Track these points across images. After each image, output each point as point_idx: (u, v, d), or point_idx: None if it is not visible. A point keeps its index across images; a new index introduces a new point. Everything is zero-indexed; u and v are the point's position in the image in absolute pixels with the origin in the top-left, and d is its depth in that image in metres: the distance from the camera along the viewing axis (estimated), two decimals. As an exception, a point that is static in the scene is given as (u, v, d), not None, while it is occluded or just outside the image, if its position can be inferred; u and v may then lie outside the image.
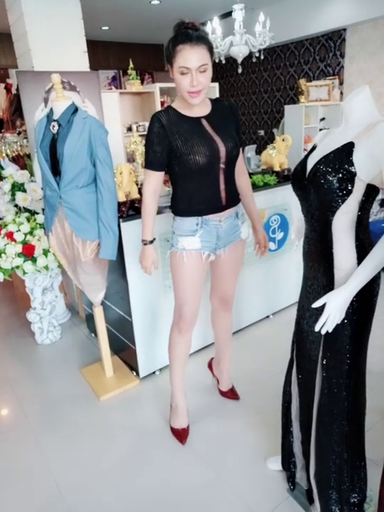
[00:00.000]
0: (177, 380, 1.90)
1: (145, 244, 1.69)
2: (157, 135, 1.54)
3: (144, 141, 1.83)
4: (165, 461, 1.80)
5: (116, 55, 7.27)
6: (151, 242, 1.69)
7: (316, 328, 1.18)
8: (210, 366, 2.26)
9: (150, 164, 1.60)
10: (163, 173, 1.64)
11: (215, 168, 1.58)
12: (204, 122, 1.58)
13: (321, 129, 5.22)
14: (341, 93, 5.45)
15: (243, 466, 1.74)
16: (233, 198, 1.69)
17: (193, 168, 1.54)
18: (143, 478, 1.72)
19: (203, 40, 1.42)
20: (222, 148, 1.56)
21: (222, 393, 2.17)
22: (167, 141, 1.54)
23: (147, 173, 1.64)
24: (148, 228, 1.67)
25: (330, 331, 1.18)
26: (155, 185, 1.64)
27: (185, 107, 1.57)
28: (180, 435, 1.89)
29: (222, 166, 1.58)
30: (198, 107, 1.57)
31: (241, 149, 1.72)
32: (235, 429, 1.96)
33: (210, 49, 1.46)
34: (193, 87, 1.44)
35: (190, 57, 1.40)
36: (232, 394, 2.15)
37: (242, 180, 1.78)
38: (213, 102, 1.65)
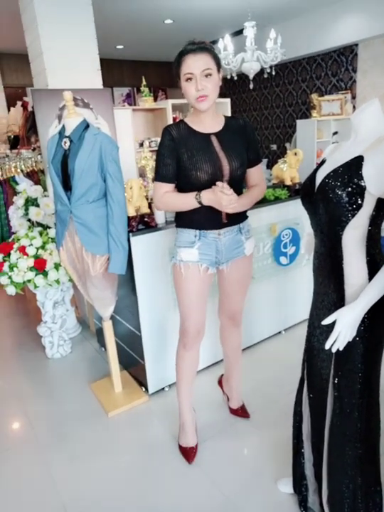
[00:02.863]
0: (184, 396, 1.87)
1: (199, 200, 1.53)
2: (168, 148, 1.57)
3: (154, 157, 1.85)
4: (173, 480, 1.76)
5: (130, 73, 7.44)
6: (198, 196, 1.53)
7: (326, 346, 1.15)
8: (220, 383, 2.22)
9: (161, 177, 1.60)
10: (173, 185, 1.63)
11: None
12: (213, 139, 1.58)
13: (333, 143, 5.19)
14: (354, 107, 5.44)
15: (253, 488, 1.69)
16: (236, 216, 1.64)
17: (195, 183, 1.55)
18: (150, 497, 1.68)
19: (206, 49, 1.47)
20: (226, 167, 1.56)
21: (232, 411, 2.12)
22: (176, 154, 1.56)
23: (158, 186, 1.62)
24: (186, 196, 1.57)
25: (341, 349, 1.15)
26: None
27: (197, 122, 1.59)
28: (187, 454, 1.85)
29: (226, 183, 1.56)
30: (210, 123, 1.59)
31: (261, 165, 1.73)
32: (245, 449, 1.91)
33: (215, 58, 1.50)
34: (198, 91, 1.47)
35: (193, 63, 1.45)
36: (242, 412, 2.10)
37: (254, 187, 1.73)
38: (227, 119, 1.66)
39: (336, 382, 1.24)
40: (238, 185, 1.64)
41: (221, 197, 1.46)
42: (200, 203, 1.54)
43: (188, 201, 1.57)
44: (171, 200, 1.62)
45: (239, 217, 1.69)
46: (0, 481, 1.83)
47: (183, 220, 1.67)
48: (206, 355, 2.41)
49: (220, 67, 1.54)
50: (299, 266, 2.79)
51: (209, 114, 1.58)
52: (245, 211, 1.73)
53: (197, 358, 1.84)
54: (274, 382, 2.34)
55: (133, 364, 2.41)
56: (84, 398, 2.35)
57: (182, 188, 1.62)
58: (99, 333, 2.84)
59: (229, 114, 4.48)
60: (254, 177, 1.72)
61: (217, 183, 1.49)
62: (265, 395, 2.25)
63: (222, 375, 2.21)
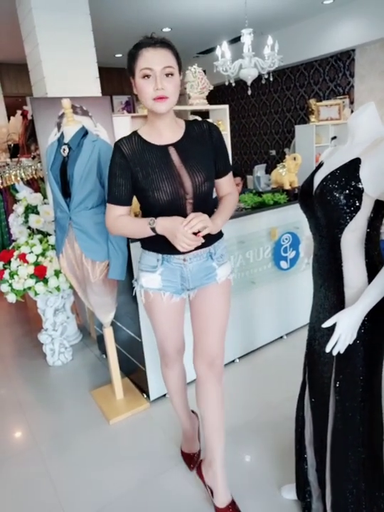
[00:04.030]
0: (179, 408, 1.77)
1: (153, 228, 1.31)
2: (119, 166, 1.35)
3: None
4: (175, 487, 1.74)
5: (129, 81, 7.48)
6: (153, 222, 1.31)
7: (327, 349, 1.14)
8: (199, 471, 1.71)
9: (114, 198, 1.38)
10: (128, 208, 1.41)
11: (181, 205, 1.35)
12: (172, 151, 1.35)
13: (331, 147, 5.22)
14: (352, 112, 5.46)
15: (256, 495, 1.67)
16: (205, 237, 1.31)
17: (155, 205, 1.34)
18: (152, 505, 1.66)
19: (167, 45, 1.27)
20: (188, 184, 1.33)
21: (219, 511, 1.58)
22: (129, 173, 1.35)
23: (110, 208, 1.40)
24: (139, 221, 1.36)
25: (342, 352, 1.14)
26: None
27: (153, 133, 1.37)
28: (189, 460, 1.83)
29: (190, 201, 1.35)
30: (168, 132, 1.37)
31: (231, 174, 1.51)
32: (247, 455, 1.89)
33: (177, 57, 1.30)
34: (157, 90, 1.25)
35: (153, 58, 1.24)
36: (233, 511, 1.56)
37: (226, 198, 1.50)
38: (188, 124, 1.41)
39: (337, 385, 1.23)
40: (204, 202, 1.39)
41: (178, 230, 1.24)
42: (153, 230, 1.31)
43: (141, 228, 1.35)
44: (123, 225, 1.40)
45: (209, 239, 1.38)
46: (1, 489, 1.81)
47: (145, 240, 1.46)
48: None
49: (181, 70, 1.32)
50: (299, 270, 2.79)
51: (166, 121, 1.35)
52: (219, 232, 1.47)
53: (182, 373, 1.72)
54: (276, 387, 2.33)
55: (134, 371, 2.40)
56: (85, 405, 2.34)
57: (143, 208, 1.45)
58: (100, 340, 2.83)
59: (227, 120, 4.48)
60: (224, 187, 1.50)
61: (190, 215, 1.26)
62: (267, 400, 2.24)
63: (200, 460, 1.75)
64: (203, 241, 1.28)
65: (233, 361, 2.61)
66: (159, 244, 1.39)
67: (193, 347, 1.57)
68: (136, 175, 1.34)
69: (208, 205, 1.42)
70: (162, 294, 1.46)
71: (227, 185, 1.50)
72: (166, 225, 1.29)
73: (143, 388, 2.35)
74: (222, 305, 1.52)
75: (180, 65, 1.31)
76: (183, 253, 1.39)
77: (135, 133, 1.39)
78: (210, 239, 1.41)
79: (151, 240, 1.39)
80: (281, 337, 2.86)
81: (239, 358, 2.64)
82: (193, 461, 1.82)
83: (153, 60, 1.23)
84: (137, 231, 1.38)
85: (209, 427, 1.55)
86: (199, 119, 1.46)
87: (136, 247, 2.06)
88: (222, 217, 1.41)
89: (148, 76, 1.25)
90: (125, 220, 1.39)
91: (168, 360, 1.66)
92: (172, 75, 1.27)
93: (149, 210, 1.38)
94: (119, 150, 1.36)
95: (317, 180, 1.21)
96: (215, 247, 1.46)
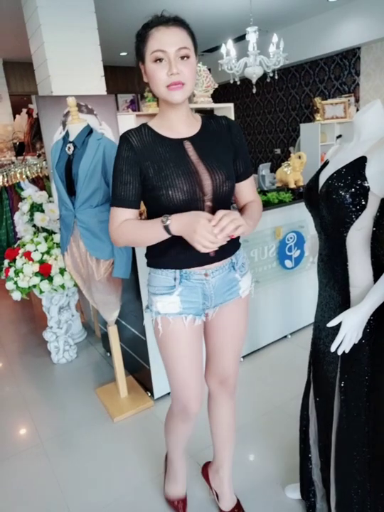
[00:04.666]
0: (177, 455, 1.54)
1: (166, 226, 1.08)
2: (126, 161, 1.15)
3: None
4: (179, 486, 1.74)
5: (134, 80, 7.48)
6: (166, 219, 1.09)
7: (332, 349, 1.14)
8: (205, 473, 1.69)
9: (119, 200, 1.16)
10: (136, 211, 1.19)
11: (199, 207, 1.16)
12: (187, 146, 1.18)
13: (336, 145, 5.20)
14: (357, 110, 5.43)
15: (260, 494, 1.67)
16: (227, 247, 1.17)
17: (168, 205, 1.13)
18: (157, 502, 1.67)
19: (181, 23, 1.10)
20: (208, 183, 1.15)
21: None
22: (138, 169, 1.15)
23: (115, 212, 1.17)
24: (148, 223, 1.14)
25: (347, 351, 1.14)
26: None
27: (165, 125, 1.20)
28: (178, 508, 1.58)
29: (208, 203, 1.17)
30: (183, 125, 1.20)
31: (252, 178, 1.33)
32: (251, 454, 1.89)
33: (192, 36, 1.13)
34: (172, 75, 1.07)
35: (166, 38, 1.07)
36: None
37: (252, 204, 1.32)
38: (205, 119, 1.26)
39: (342, 385, 1.23)
40: (224, 206, 1.16)
41: (198, 223, 1.02)
42: (167, 229, 1.08)
43: (151, 230, 1.12)
44: (129, 230, 1.15)
45: (231, 248, 1.24)
46: (6, 486, 1.82)
47: (156, 256, 1.23)
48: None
49: (197, 52, 1.15)
50: (304, 269, 2.78)
51: (181, 113, 1.18)
52: (237, 238, 1.28)
53: (194, 424, 1.44)
54: (280, 387, 2.32)
55: (138, 369, 2.40)
56: (89, 403, 2.35)
57: (153, 213, 1.18)
58: (105, 338, 2.84)
59: (233, 119, 4.48)
60: (247, 192, 1.31)
61: (218, 212, 1.04)
62: (272, 399, 2.23)
63: (208, 462, 1.70)
64: (228, 240, 1.07)
65: (237, 360, 2.61)
66: (176, 257, 1.19)
67: (206, 363, 1.44)
68: (146, 170, 1.15)
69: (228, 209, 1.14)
70: (184, 319, 1.23)
71: (249, 191, 1.32)
72: (183, 220, 1.07)
73: (147, 386, 2.35)
74: (243, 322, 1.37)
75: (196, 46, 1.14)
76: (205, 265, 1.21)
77: (144, 125, 1.21)
78: (232, 247, 1.26)
79: (165, 253, 1.19)
80: (286, 336, 2.85)
81: (243, 357, 2.63)
82: (183, 507, 1.60)
83: (167, 41, 1.07)
84: (147, 235, 1.15)
85: (220, 438, 1.53)
86: (217, 115, 1.28)
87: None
88: (252, 220, 1.20)
89: (160, 60, 1.08)
90: (130, 225, 1.16)
91: (186, 416, 1.36)
92: (188, 57, 1.10)
93: (159, 213, 1.12)
94: (127, 142, 1.16)
95: (322, 178, 1.20)
96: (236, 256, 1.29)
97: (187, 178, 1.14)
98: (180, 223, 1.07)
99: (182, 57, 1.09)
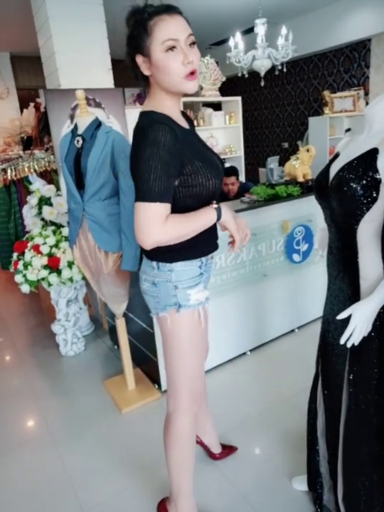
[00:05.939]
0: (185, 482, 1.44)
1: (217, 208, 1.15)
2: (170, 152, 1.04)
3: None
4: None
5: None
6: (216, 205, 1.15)
7: (342, 341, 1.14)
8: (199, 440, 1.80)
9: (160, 194, 1.03)
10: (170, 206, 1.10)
11: (222, 191, 1.27)
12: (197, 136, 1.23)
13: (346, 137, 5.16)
14: (367, 104, 5.37)
15: (268, 486, 1.68)
16: None
17: (206, 196, 1.14)
18: (164, 494, 1.68)
19: (179, 10, 1.08)
20: (221, 166, 1.23)
21: (219, 455, 1.80)
22: (180, 160, 1.08)
23: (155, 209, 1.04)
24: (202, 212, 1.14)
25: (356, 343, 1.14)
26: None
27: (175, 116, 1.16)
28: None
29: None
30: (181, 120, 1.19)
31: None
32: (259, 447, 1.90)
33: (190, 26, 1.10)
34: (189, 63, 1.04)
35: (175, 26, 1.03)
36: (228, 448, 1.83)
37: None
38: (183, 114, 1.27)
39: (350, 378, 1.23)
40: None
41: (237, 216, 1.21)
42: (219, 212, 1.15)
43: (203, 217, 1.13)
44: (180, 223, 1.09)
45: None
46: (15, 476, 1.85)
47: (185, 249, 1.18)
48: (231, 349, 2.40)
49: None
50: (312, 263, 2.77)
51: (179, 105, 1.19)
52: None
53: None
54: (288, 380, 2.33)
55: (146, 361, 2.42)
56: (97, 395, 2.37)
57: (182, 207, 1.13)
58: (112, 331, 2.86)
59: (240, 112, 4.45)
60: None
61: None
62: (279, 392, 2.24)
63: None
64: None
65: (244, 353, 2.62)
66: (203, 244, 1.21)
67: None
68: (190, 161, 1.09)
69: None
70: (208, 305, 1.28)
71: None
72: (227, 208, 1.16)
73: (154, 379, 2.37)
74: None
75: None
76: (215, 248, 1.30)
77: (165, 115, 1.11)
78: None
79: (193, 244, 1.16)
80: (293, 330, 2.85)
81: (250, 350, 2.64)
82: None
83: (177, 29, 1.03)
84: (198, 226, 1.12)
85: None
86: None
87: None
88: None
89: (173, 48, 1.03)
90: (178, 219, 1.08)
91: (195, 404, 1.37)
92: (195, 43, 1.08)
93: (191, 206, 1.13)
94: (172, 131, 1.05)
95: (333, 170, 1.19)
96: None
97: (219, 166, 1.20)
98: (226, 209, 1.17)
99: (190, 45, 1.07)
